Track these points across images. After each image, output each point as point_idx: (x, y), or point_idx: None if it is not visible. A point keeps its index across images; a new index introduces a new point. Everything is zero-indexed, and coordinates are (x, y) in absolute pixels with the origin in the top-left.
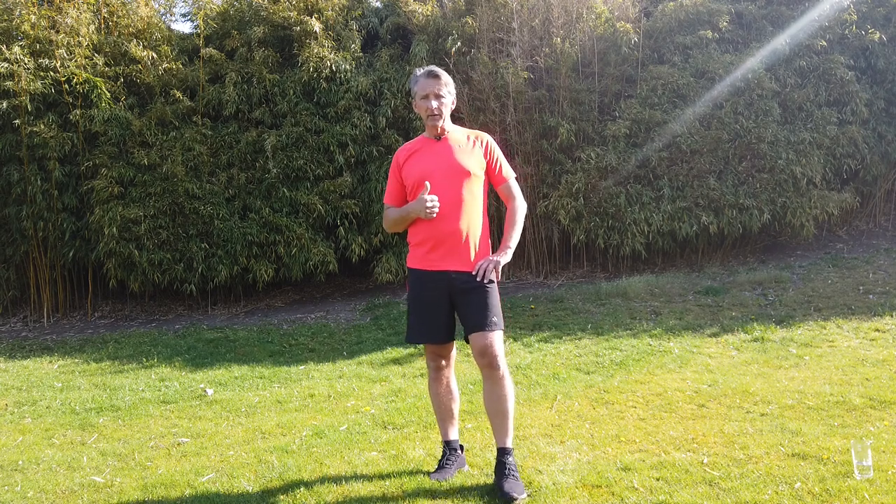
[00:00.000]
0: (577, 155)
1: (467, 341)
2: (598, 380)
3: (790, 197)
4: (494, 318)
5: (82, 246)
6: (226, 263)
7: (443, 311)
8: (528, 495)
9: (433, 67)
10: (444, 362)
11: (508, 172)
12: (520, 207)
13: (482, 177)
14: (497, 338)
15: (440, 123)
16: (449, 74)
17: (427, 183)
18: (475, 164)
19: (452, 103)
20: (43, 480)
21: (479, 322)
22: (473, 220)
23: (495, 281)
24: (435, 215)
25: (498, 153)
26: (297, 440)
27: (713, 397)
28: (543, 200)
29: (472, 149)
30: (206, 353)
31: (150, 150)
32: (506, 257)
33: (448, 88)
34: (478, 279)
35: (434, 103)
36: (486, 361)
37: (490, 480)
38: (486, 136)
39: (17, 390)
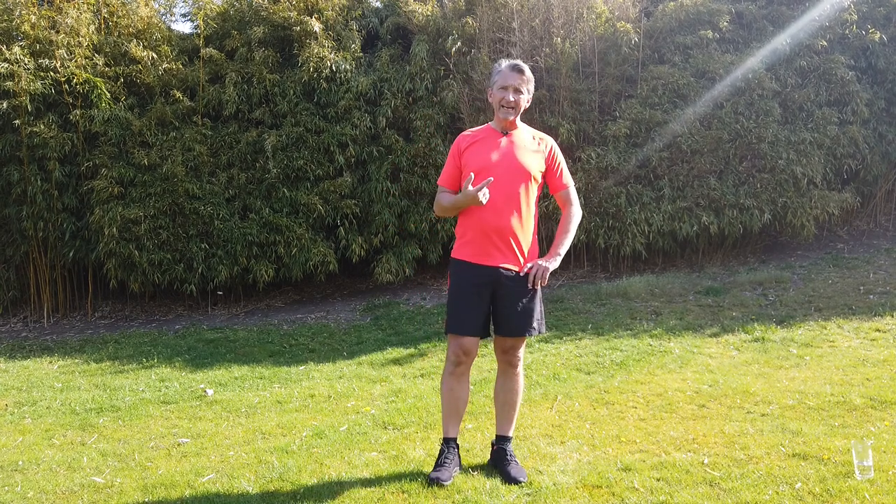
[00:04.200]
0: (578, 155)
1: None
2: (599, 380)
3: (791, 197)
4: (535, 324)
5: (82, 246)
6: (226, 264)
7: (485, 305)
8: (529, 495)
9: (519, 62)
10: (466, 359)
11: (568, 180)
12: (575, 214)
13: (539, 180)
14: (524, 341)
15: (512, 117)
16: (450, 74)
17: (490, 178)
18: (536, 166)
19: (527, 102)
20: (43, 481)
21: (518, 327)
22: (525, 221)
23: (540, 286)
24: (486, 201)
25: (561, 159)
26: (297, 440)
27: (714, 397)
28: (544, 200)
29: (536, 151)
30: (207, 354)
31: (150, 150)
32: (555, 263)
33: (528, 86)
34: (529, 285)
35: (511, 96)
36: (508, 359)
37: (490, 482)
38: (551, 141)
39: (17, 390)
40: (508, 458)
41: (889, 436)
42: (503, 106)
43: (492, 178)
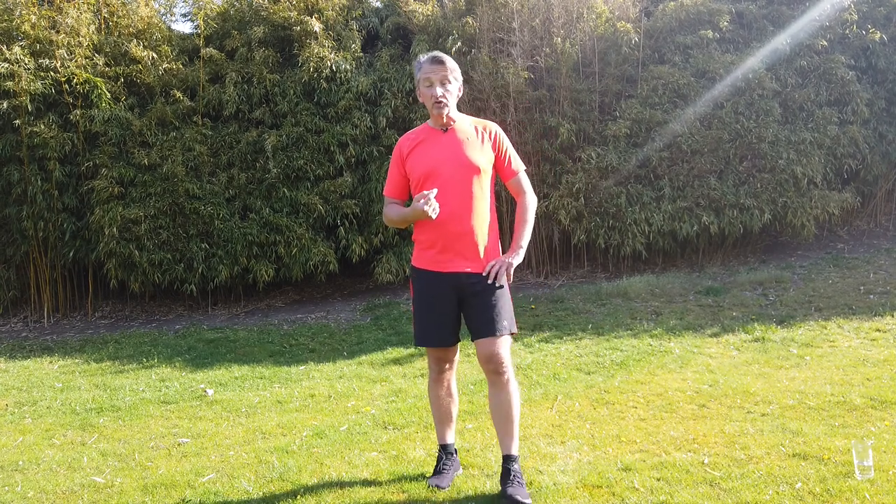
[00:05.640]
0: (578, 155)
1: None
2: (599, 380)
3: (791, 197)
4: (504, 323)
5: (82, 246)
6: (226, 264)
7: (452, 313)
8: (529, 495)
9: (437, 53)
10: (447, 366)
11: (518, 165)
12: (530, 203)
13: (490, 172)
14: (504, 343)
15: (446, 112)
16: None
17: (427, 192)
18: (484, 158)
19: (459, 90)
20: (43, 481)
21: (487, 327)
22: (483, 218)
23: (507, 283)
24: (436, 216)
25: (507, 144)
26: (297, 440)
27: (714, 397)
28: (544, 200)
29: (481, 142)
30: (207, 354)
31: (150, 150)
32: (518, 258)
33: (454, 75)
34: (489, 281)
35: (439, 90)
36: (492, 368)
37: (490, 482)
38: (495, 126)
39: (17, 390)
40: (512, 477)
41: (889, 436)
42: (434, 103)
43: (436, 190)
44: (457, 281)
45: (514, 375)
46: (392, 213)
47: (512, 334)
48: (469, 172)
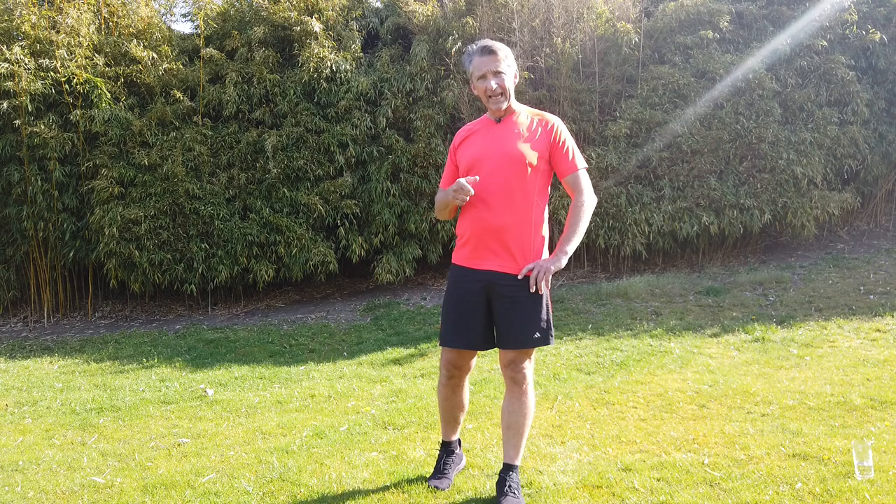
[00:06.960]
0: None
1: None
2: (599, 380)
3: (791, 197)
4: (537, 335)
5: (82, 246)
6: (226, 264)
7: (481, 315)
8: (529, 495)
9: (488, 42)
10: (457, 371)
11: (578, 162)
12: (586, 203)
13: (542, 167)
14: (529, 354)
15: (504, 104)
16: (450, 74)
17: (462, 181)
18: (533, 152)
19: (515, 77)
20: (43, 481)
21: (512, 334)
22: (524, 216)
23: (545, 290)
24: (460, 200)
25: (566, 138)
26: (297, 440)
27: (714, 398)
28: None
29: (535, 135)
30: (207, 354)
31: (150, 150)
32: (559, 263)
33: (507, 62)
34: (531, 289)
35: (493, 83)
36: (511, 374)
37: (490, 482)
38: (554, 119)
39: (17, 390)
40: (506, 489)
41: (889, 436)
42: (490, 96)
43: (478, 177)
44: (487, 280)
45: (533, 388)
46: (437, 199)
47: (546, 344)
48: (514, 166)
